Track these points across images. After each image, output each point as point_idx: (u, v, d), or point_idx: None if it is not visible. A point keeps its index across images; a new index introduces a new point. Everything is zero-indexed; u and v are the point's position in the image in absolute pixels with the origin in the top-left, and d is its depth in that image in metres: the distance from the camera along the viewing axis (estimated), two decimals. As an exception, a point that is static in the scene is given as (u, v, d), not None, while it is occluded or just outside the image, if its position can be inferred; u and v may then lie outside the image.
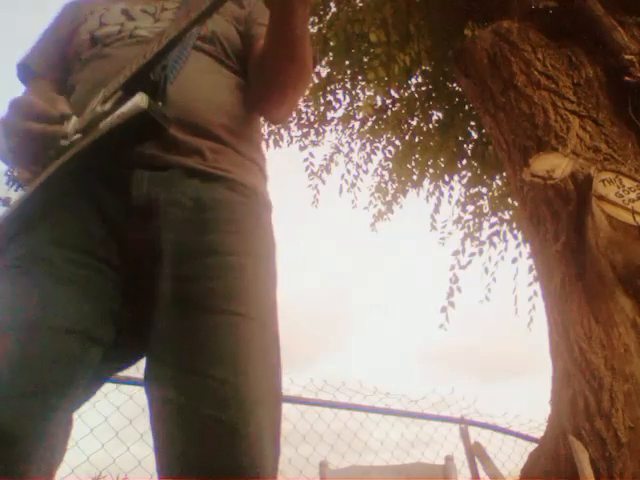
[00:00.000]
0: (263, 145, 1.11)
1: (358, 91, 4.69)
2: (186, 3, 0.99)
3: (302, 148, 4.91)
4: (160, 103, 0.84)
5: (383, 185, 5.02)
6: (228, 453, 0.73)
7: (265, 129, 4.56)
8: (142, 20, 1.02)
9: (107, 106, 0.84)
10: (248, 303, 0.82)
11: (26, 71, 1.09)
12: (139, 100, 0.79)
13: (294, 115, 4.72)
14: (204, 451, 0.73)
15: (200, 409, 0.74)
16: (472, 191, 4.73)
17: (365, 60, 3.88)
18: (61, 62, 1.06)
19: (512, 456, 3.24)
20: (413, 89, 4.55)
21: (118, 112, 0.81)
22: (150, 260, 0.82)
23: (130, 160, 0.86)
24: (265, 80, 0.99)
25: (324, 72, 4.38)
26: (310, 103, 4.65)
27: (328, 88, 4.53)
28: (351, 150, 5.04)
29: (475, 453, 2.61)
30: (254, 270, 0.86)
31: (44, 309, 0.77)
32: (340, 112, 4.83)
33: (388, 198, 5.04)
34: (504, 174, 4.20)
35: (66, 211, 0.86)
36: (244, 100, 1.00)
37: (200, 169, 0.89)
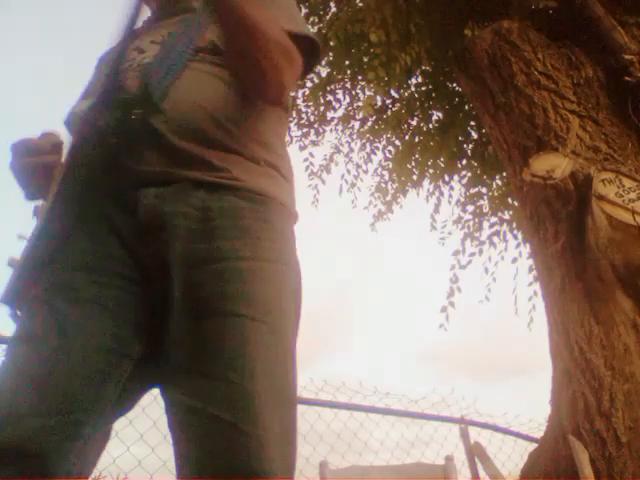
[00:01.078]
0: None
1: (358, 91, 4.70)
2: (188, 27, 1.01)
3: (302, 148, 4.91)
4: (136, 111, 0.86)
5: (383, 185, 5.02)
6: (235, 455, 0.74)
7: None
8: (150, 51, 1.04)
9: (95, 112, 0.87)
10: (257, 306, 0.83)
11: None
12: None
13: (294, 115, 4.72)
14: (214, 453, 0.74)
15: (210, 412, 0.75)
16: (472, 191, 4.73)
17: (365, 60, 3.88)
18: None
19: (512, 456, 3.24)
20: (413, 89, 4.55)
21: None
22: (163, 272, 0.84)
23: (137, 179, 0.88)
24: (237, 65, 0.95)
25: (324, 72, 4.38)
26: (310, 103, 4.65)
27: (328, 88, 4.53)
28: (351, 150, 5.04)
29: (475, 453, 2.61)
30: (265, 274, 0.86)
31: (68, 332, 0.79)
32: (340, 112, 4.84)
33: (388, 198, 5.04)
34: (504, 174, 4.20)
35: (83, 236, 0.88)
36: (251, 102, 0.99)
37: (207, 180, 0.89)
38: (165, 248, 0.85)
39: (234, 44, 0.92)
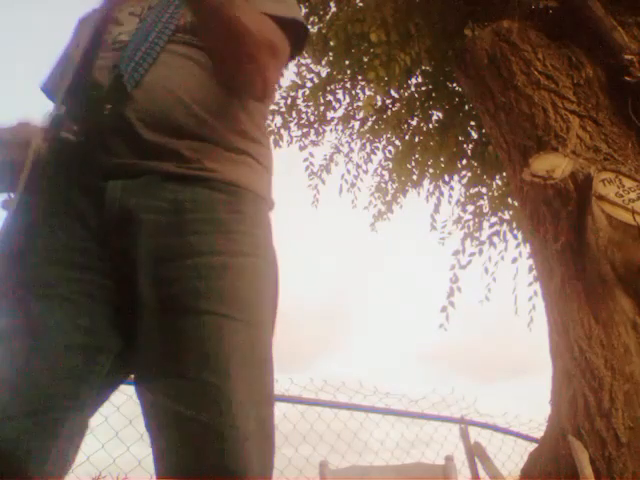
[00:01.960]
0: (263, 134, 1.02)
1: (358, 91, 4.70)
2: (167, 3, 0.97)
3: (302, 148, 4.91)
4: (109, 106, 0.84)
5: (383, 185, 5.02)
6: (212, 455, 0.73)
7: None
8: (128, 24, 0.99)
9: (60, 112, 0.85)
10: (231, 303, 0.81)
11: (48, 94, 1.11)
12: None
13: (294, 115, 4.72)
14: (187, 453, 0.73)
15: (184, 413, 0.74)
16: (472, 191, 4.73)
17: (365, 60, 3.88)
18: None
19: (512, 456, 3.24)
20: (413, 89, 4.55)
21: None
22: (131, 268, 0.82)
23: (105, 171, 0.86)
24: (217, 64, 0.92)
25: (324, 72, 4.39)
26: (310, 103, 4.65)
27: (328, 88, 4.53)
28: (351, 150, 5.04)
29: (475, 453, 2.61)
30: (239, 269, 0.84)
31: (42, 331, 0.78)
32: (340, 112, 4.84)
33: (388, 198, 5.04)
34: (504, 174, 4.20)
35: (55, 229, 0.86)
36: (229, 88, 0.94)
37: (177, 172, 0.87)
38: (132, 243, 0.83)
39: (220, 48, 0.88)
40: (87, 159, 0.87)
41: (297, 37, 0.99)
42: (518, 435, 3.40)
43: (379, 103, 4.62)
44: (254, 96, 0.97)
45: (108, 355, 0.80)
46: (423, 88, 4.49)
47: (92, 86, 0.85)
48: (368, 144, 4.93)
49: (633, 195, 2.23)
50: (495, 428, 3.34)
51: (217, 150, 0.91)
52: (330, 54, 3.91)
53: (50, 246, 0.85)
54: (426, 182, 4.86)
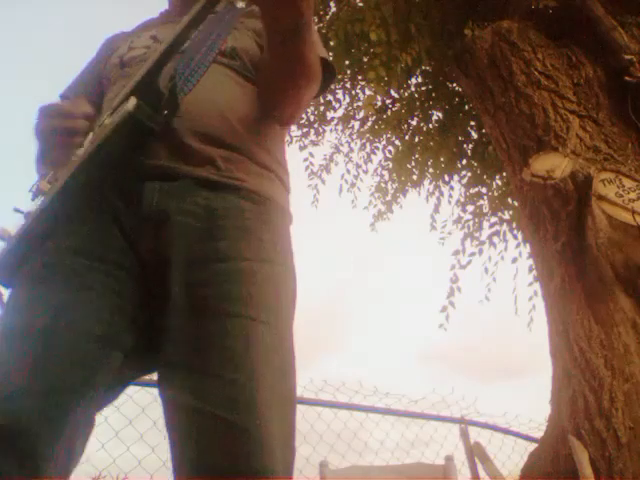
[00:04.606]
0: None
1: (358, 91, 4.69)
2: (215, 24, 1.01)
3: (302, 148, 4.91)
4: (166, 112, 0.86)
5: (383, 185, 5.02)
6: (238, 454, 0.74)
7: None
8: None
9: (112, 118, 0.86)
10: (259, 307, 0.84)
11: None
12: (128, 104, 0.81)
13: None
14: (215, 453, 0.74)
15: (211, 411, 0.75)
16: (472, 191, 4.73)
17: (365, 60, 3.88)
18: (98, 89, 1.12)
19: (512, 456, 3.24)
20: (413, 89, 4.55)
21: (112, 120, 0.84)
22: (163, 268, 0.84)
23: (142, 172, 0.89)
24: (265, 82, 1.00)
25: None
26: (310, 103, 4.65)
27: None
28: (351, 150, 5.04)
29: (475, 453, 2.61)
30: (266, 275, 0.87)
31: (63, 315, 0.79)
32: (340, 112, 4.84)
33: (388, 198, 5.04)
34: (504, 174, 4.20)
35: (86, 221, 0.88)
36: (262, 111, 1.02)
37: (211, 179, 0.90)
38: (167, 244, 0.85)
39: (273, 67, 0.96)
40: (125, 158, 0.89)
41: (327, 78, 1.08)
42: (518, 435, 3.40)
43: (379, 103, 4.62)
44: (281, 120, 1.06)
45: (120, 353, 0.81)
46: (423, 88, 4.49)
47: (156, 91, 0.87)
48: (368, 144, 4.92)
49: (633, 195, 2.23)
50: (495, 428, 3.34)
51: (247, 162, 0.96)
52: (330, 54, 3.90)
53: (82, 235, 0.87)
54: (426, 182, 4.86)
